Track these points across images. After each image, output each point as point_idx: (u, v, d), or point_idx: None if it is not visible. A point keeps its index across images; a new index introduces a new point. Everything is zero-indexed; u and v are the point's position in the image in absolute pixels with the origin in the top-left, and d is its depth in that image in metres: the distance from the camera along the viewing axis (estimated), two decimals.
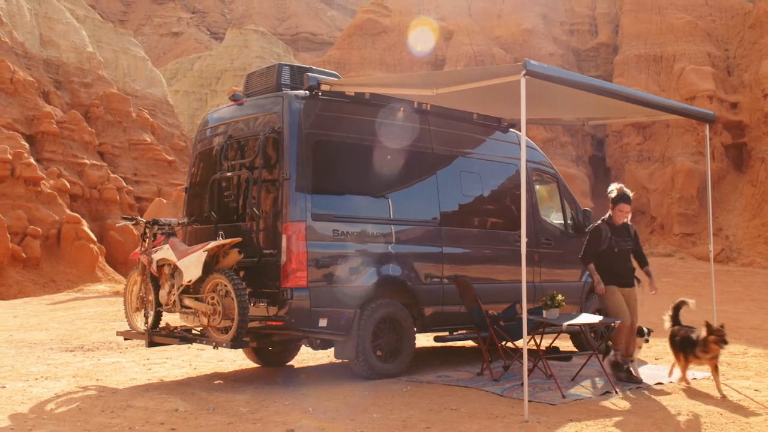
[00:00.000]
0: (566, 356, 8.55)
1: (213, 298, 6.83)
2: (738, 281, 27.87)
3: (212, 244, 6.89)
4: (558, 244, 9.33)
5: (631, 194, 7.50)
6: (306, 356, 9.43)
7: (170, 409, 6.22)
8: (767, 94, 39.17)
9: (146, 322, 7.50)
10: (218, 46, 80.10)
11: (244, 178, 7.39)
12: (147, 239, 7.54)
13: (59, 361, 9.11)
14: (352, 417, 5.88)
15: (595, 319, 7.80)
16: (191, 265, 6.95)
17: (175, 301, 7.16)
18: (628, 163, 43.10)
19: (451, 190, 8.35)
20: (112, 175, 42.88)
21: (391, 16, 51.62)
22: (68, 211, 35.99)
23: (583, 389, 6.98)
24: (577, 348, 9.57)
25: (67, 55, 47.42)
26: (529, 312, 6.71)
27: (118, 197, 41.48)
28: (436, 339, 8.38)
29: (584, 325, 8.61)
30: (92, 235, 35.77)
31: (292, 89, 7.60)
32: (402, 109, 8.13)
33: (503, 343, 7.64)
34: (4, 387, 7.31)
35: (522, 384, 6.16)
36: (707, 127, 8.61)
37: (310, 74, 7.51)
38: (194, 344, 7.93)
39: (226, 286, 6.71)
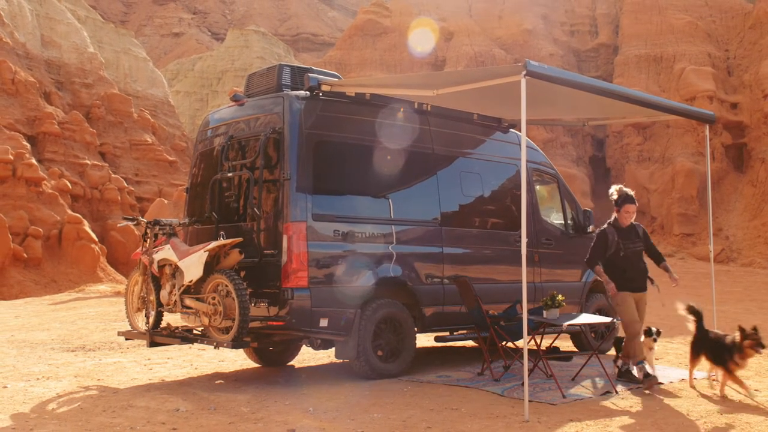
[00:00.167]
0: (567, 356, 8.55)
1: (214, 298, 6.85)
2: (738, 281, 27.90)
3: (213, 244, 6.90)
4: (558, 245, 9.34)
5: (632, 194, 7.44)
6: (307, 356, 9.44)
7: (171, 408, 6.23)
8: (767, 95, 39.16)
9: (147, 322, 7.51)
10: (219, 46, 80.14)
11: (245, 179, 7.40)
12: (148, 239, 7.56)
13: (61, 361, 9.13)
14: (352, 417, 5.90)
15: (596, 319, 7.82)
16: (192, 265, 6.97)
17: (176, 301, 7.18)
18: (629, 164, 43.12)
19: (451, 190, 8.36)
20: (113, 175, 42.92)
21: (391, 16, 51.65)
22: (69, 212, 36.03)
23: (583, 389, 6.99)
24: (577, 348, 9.58)
25: (69, 56, 47.45)
26: (530, 312, 6.72)
27: (119, 197, 41.52)
28: (437, 339, 8.39)
29: (584, 325, 8.62)
30: (93, 236, 35.81)
31: (292, 90, 7.62)
32: (402, 109, 8.14)
33: (504, 343, 7.65)
34: (5, 387, 7.32)
35: (522, 384, 6.17)
36: (707, 127, 8.62)
37: (310, 75, 7.52)
38: (195, 344, 7.95)
39: (227, 286, 6.73)
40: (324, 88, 7.46)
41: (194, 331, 7.44)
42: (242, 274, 7.01)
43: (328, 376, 7.90)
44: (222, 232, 7.16)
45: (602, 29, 49.88)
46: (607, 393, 6.78)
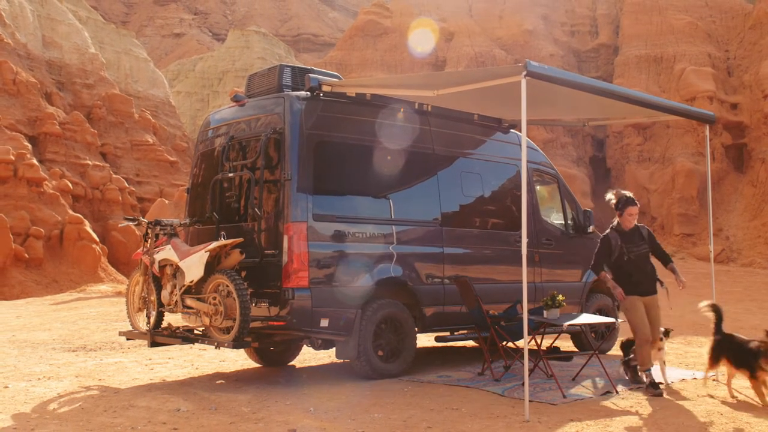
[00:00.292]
0: (567, 356, 8.57)
1: (215, 299, 6.86)
2: (738, 281, 27.90)
3: (214, 244, 6.92)
4: (558, 245, 9.35)
5: (632, 195, 7.35)
6: (307, 356, 9.45)
7: (172, 408, 6.24)
8: (767, 95, 39.16)
9: (148, 323, 7.52)
10: (220, 47, 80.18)
11: (245, 179, 7.42)
12: (149, 240, 7.57)
13: (62, 361, 9.14)
14: (353, 417, 5.91)
15: (596, 319, 7.83)
16: (193, 265, 6.98)
17: (177, 301, 7.19)
18: (629, 164, 43.13)
19: (452, 190, 8.37)
20: (114, 175, 42.96)
21: (392, 17, 51.66)
22: (71, 212, 36.06)
23: (583, 389, 7.00)
24: (577, 348, 9.59)
25: (70, 57, 47.49)
26: (530, 312, 6.72)
27: (120, 198, 41.55)
28: (437, 339, 8.40)
29: (585, 325, 8.63)
30: (94, 236, 35.84)
31: (293, 90, 7.63)
32: (403, 110, 8.15)
33: (504, 343, 7.66)
34: (7, 387, 7.34)
35: (523, 384, 6.18)
36: (707, 127, 8.63)
37: (311, 75, 7.54)
38: (196, 344, 7.96)
39: (227, 286, 6.74)
40: (325, 88, 7.47)
41: (195, 331, 7.45)
42: (243, 274, 7.03)
43: (329, 376, 7.91)
44: (223, 233, 7.17)
45: (602, 30, 49.89)
46: (607, 393, 6.78)
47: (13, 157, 34.39)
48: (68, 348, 10.56)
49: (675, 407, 6.27)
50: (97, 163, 42.86)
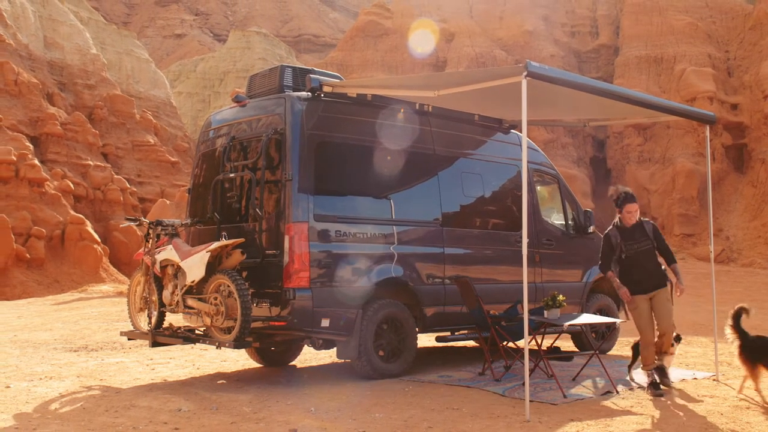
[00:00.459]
0: (567, 356, 8.57)
1: (216, 299, 6.88)
2: (738, 282, 27.91)
3: (215, 244, 6.93)
4: (559, 245, 9.36)
5: (631, 192, 7.30)
6: (308, 356, 9.47)
7: (174, 408, 6.25)
8: (767, 95, 39.16)
9: (150, 323, 7.53)
10: (221, 47, 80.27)
11: (246, 179, 7.43)
12: (150, 240, 7.58)
13: (63, 361, 9.16)
14: (354, 417, 5.92)
15: (597, 319, 7.84)
16: (194, 265, 6.99)
17: (178, 301, 7.20)
18: (629, 164, 43.13)
19: (452, 191, 8.38)
20: (115, 176, 43.02)
21: (392, 18, 51.68)
22: (72, 212, 36.11)
23: (584, 389, 7.01)
24: (578, 348, 9.60)
25: (71, 57, 47.54)
26: (531, 312, 6.73)
27: (121, 198, 41.60)
28: (438, 339, 8.41)
29: (585, 325, 8.64)
30: (96, 236, 35.89)
31: (294, 91, 7.64)
32: (403, 110, 8.16)
33: (504, 343, 7.67)
34: (8, 387, 7.35)
35: (523, 384, 6.19)
36: (707, 128, 8.63)
37: (312, 76, 7.55)
38: (197, 344, 7.97)
39: (229, 286, 6.75)
40: (325, 89, 7.49)
41: (196, 332, 7.46)
42: (244, 274, 7.04)
43: (330, 376, 7.92)
44: (224, 233, 7.18)
45: (603, 30, 49.89)
46: (607, 393, 6.79)
47: (14, 158, 34.44)
48: (70, 348, 10.58)
49: (675, 407, 6.28)
50: (98, 163, 42.91)
